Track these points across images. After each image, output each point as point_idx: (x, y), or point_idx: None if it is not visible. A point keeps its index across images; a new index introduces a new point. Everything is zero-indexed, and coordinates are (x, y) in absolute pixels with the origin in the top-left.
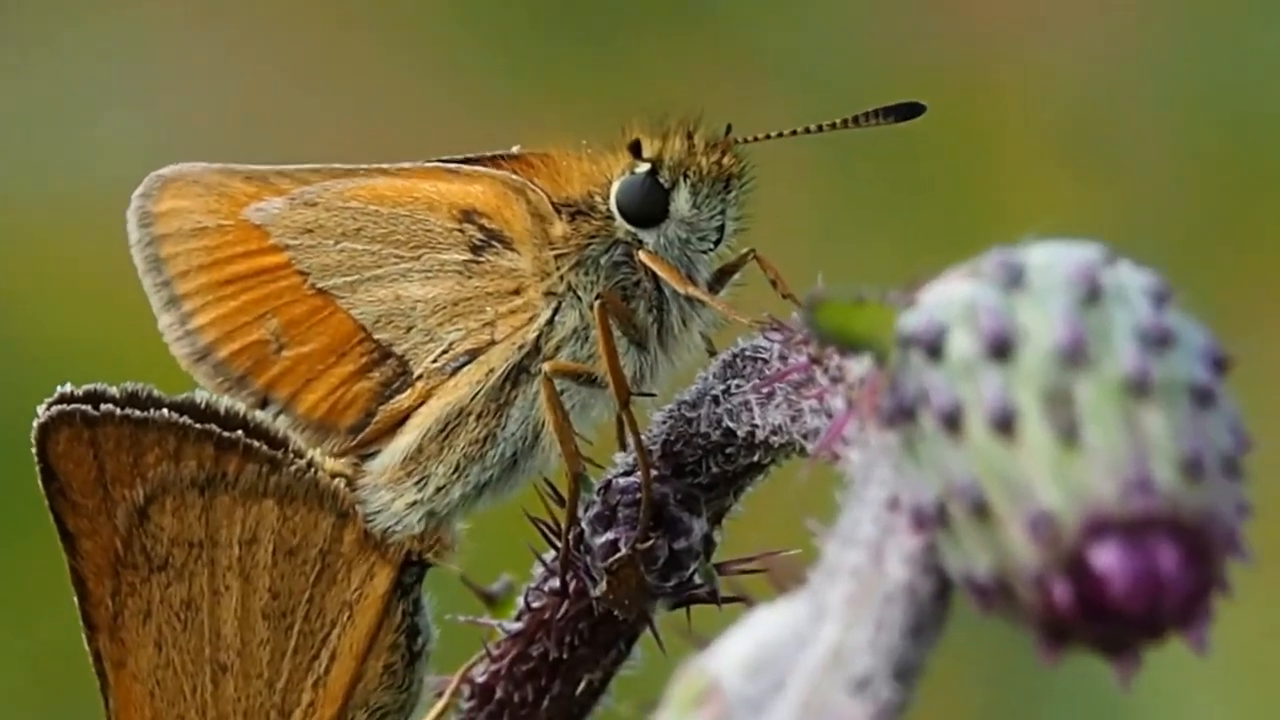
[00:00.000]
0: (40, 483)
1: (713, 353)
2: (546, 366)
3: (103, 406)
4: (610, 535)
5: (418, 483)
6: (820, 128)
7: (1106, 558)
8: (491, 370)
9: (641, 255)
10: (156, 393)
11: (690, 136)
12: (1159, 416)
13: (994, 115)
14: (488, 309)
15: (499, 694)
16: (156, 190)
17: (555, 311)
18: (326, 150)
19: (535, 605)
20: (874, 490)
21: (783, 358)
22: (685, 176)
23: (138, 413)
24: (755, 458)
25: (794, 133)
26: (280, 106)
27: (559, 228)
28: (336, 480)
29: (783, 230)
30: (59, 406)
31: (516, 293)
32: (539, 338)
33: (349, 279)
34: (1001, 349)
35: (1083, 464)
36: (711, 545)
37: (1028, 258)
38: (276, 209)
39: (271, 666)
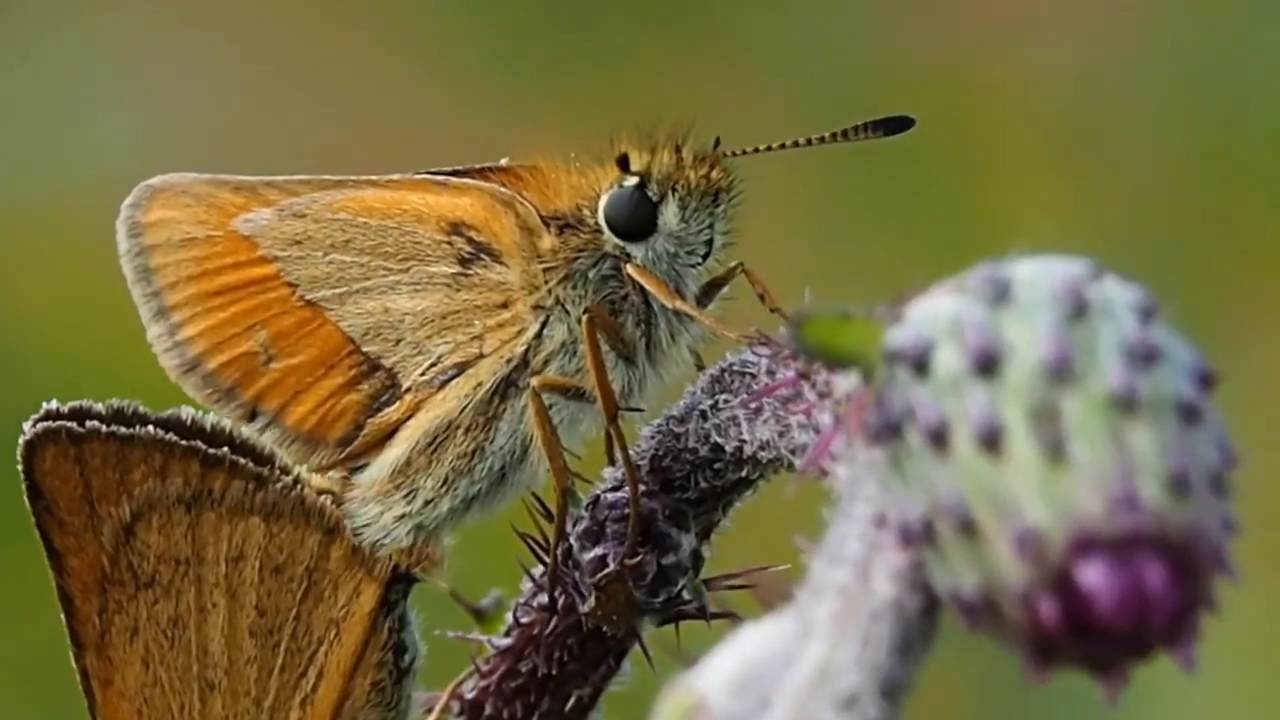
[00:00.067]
0: (26, 500)
1: (701, 367)
2: (534, 381)
3: (89, 423)
4: (599, 551)
5: (406, 496)
6: (809, 141)
7: (1093, 575)
8: (480, 384)
9: (629, 269)
10: (142, 409)
11: (679, 150)
12: (1146, 433)
13: (988, 115)
14: (476, 322)
15: (488, 710)
16: (145, 200)
17: (543, 325)
18: (318, 148)
19: (524, 621)
20: (861, 507)
21: (770, 373)
22: (673, 190)
23: (124, 429)
24: (743, 473)
25: (783, 146)
26: (272, 105)
27: (547, 241)
28: (323, 497)
29: (776, 229)
30: (45, 423)
31: (505, 306)
32: (527, 351)
33: (338, 291)
34: (988, 365)
35: (1069, 481)
36: (700, 561)
37: (1014, 273)
38: (265, 220)
39: (259, 684)
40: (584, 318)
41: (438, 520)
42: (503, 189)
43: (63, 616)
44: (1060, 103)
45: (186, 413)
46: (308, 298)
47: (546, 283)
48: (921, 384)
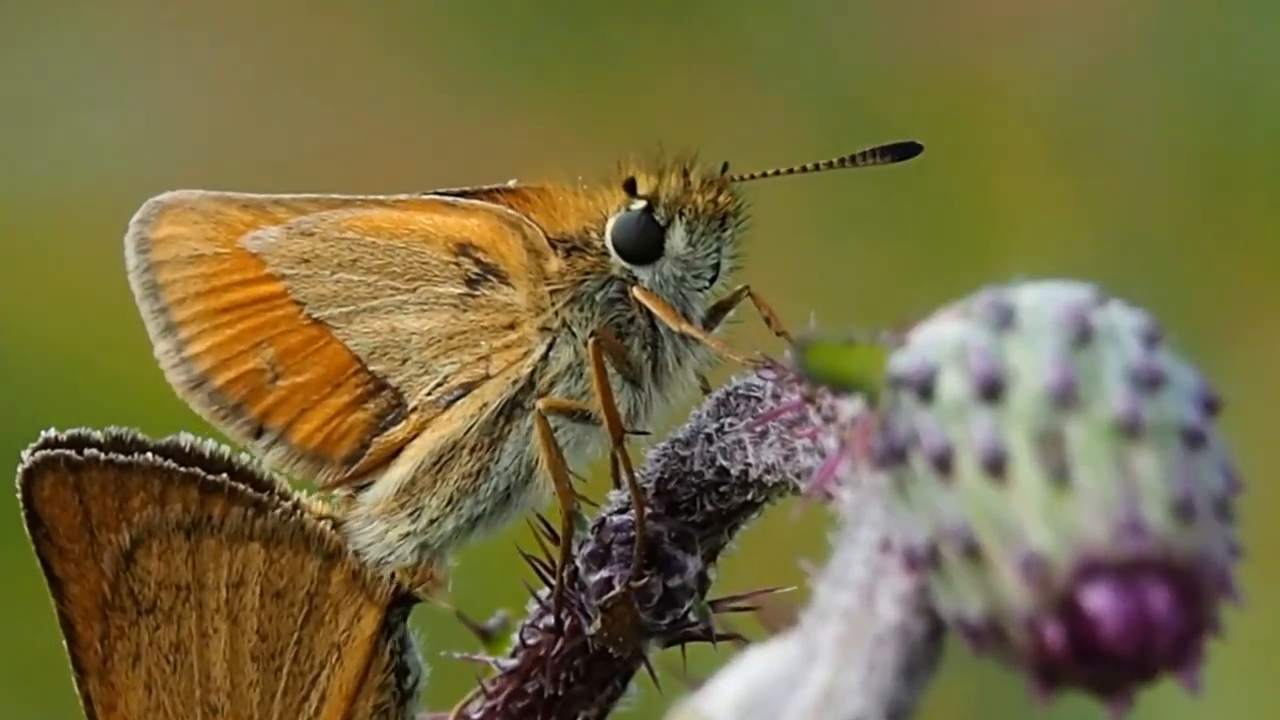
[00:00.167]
0: (26, 528)
1: (707, 390)
2: (540, 404)
3: (87, 451)
4: (605, 573)
5: (411, 514)
6: (817, 166)
7: (1098, 599)
8: (485, 404)
9: (636, 292)
10: (141, 437)
11: (686, 174)
12: (1150, 458)
13: (988, 114)
14: (482, 343)
15: None
16: (154, 216)
17: (550, 347)
18: (318, 147)
19: (530, 642)
20: (866, 531)
21: (776, 396)
22: (681, 214)
23: (122, 457)
24: (749, 496)
25: (790, 171)
26: (270, 105)
27: (554, 263)
28: (322, 522)
29: (775, 231)
30: (43, 451)
31: (511, 327)
32: (533, 373)
33: (345, 310)
34: (992, 390)
35: (1074, 506)
36: (706, 583)
37: (1018, 298)
38: (273, 238)
39: (261, 708)
40: (590, 340)
41: (442, 539)
42: (510, 210)
43: (64, 643)
44: (1060, 103)
45: (185, 439)
46: (315, 316)
47: (553, 305)
48: (926, 409)
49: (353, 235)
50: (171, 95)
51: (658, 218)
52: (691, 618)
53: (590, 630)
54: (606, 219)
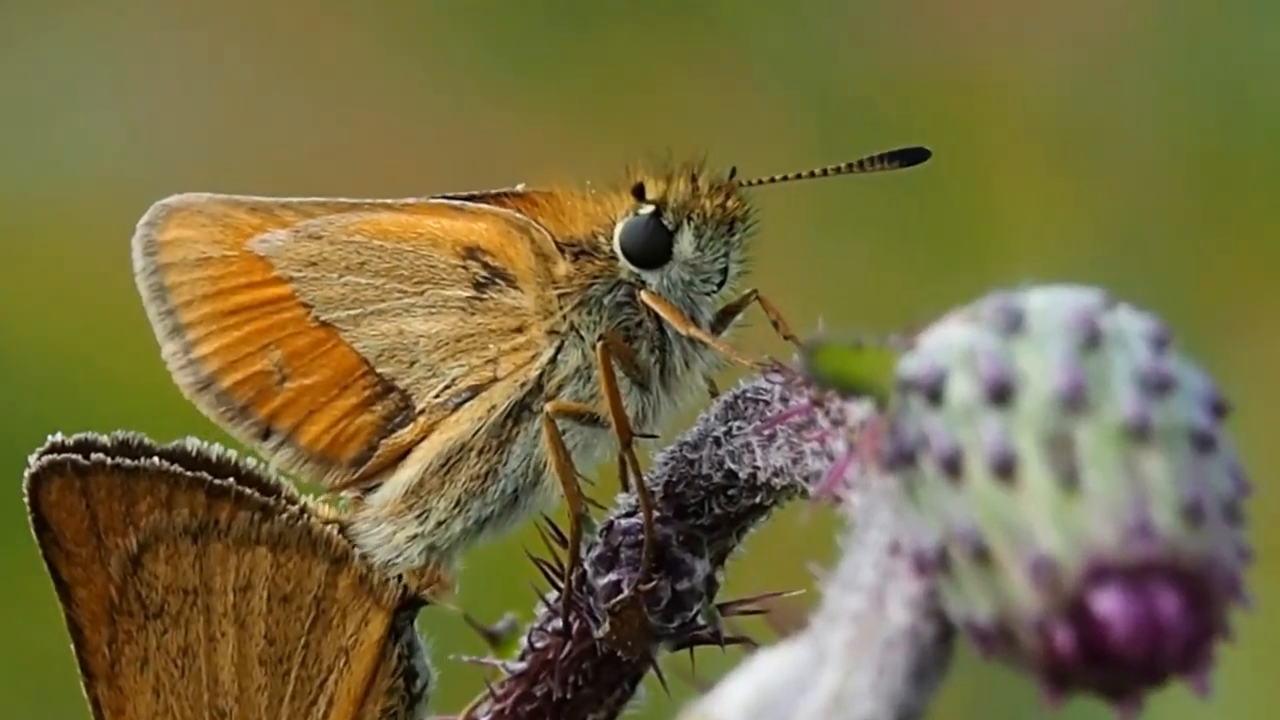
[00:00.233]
0: (33, 532)
1: (715, 394)
2: (549, 407)
3: (94, 456)
4: (613, 576)
5: (419, 516)
6: (825, 171)
7: (1107, 603)
8: (494, 407)
9: (644, 296)
10: (148, 441)
11: (694, 179)
12: (1159, 462)
13: (988, 114)
14: (490, 346)
15: None
16: (161, 219)
17: (558, 350)
18: (309, 148)
19: (539, 645)
20: (875, 534)
21: (784, 400)
22: (689, 219)
23: (129, 461)
24: (757, 499)
25: (799, 176)
26: (268, 105)
27: (562, 267)
28: (329, 527)
29: (772, 232)
30: (50, 456)
31: (519, 330)
32: (541, 376)
33: (352, 312)
34: (1001, 394)
35: (1083, 509)
36: (714, 586)
37: (1027, 302)
38: (281, 241)
39: (270, 712)
40: (599, 344)
41: (450, 541)
42: (518, 214)
43: (72, 647)
44: (1060, 103)
45: (192, 444)
46: (322, 318)
47: (561, 308)
48: (935, 413)
49: (360, 238)
50: (171, 95)
51: (666, 222)
52: (700, 621)
53: (599, 633)
54: (615, 223)
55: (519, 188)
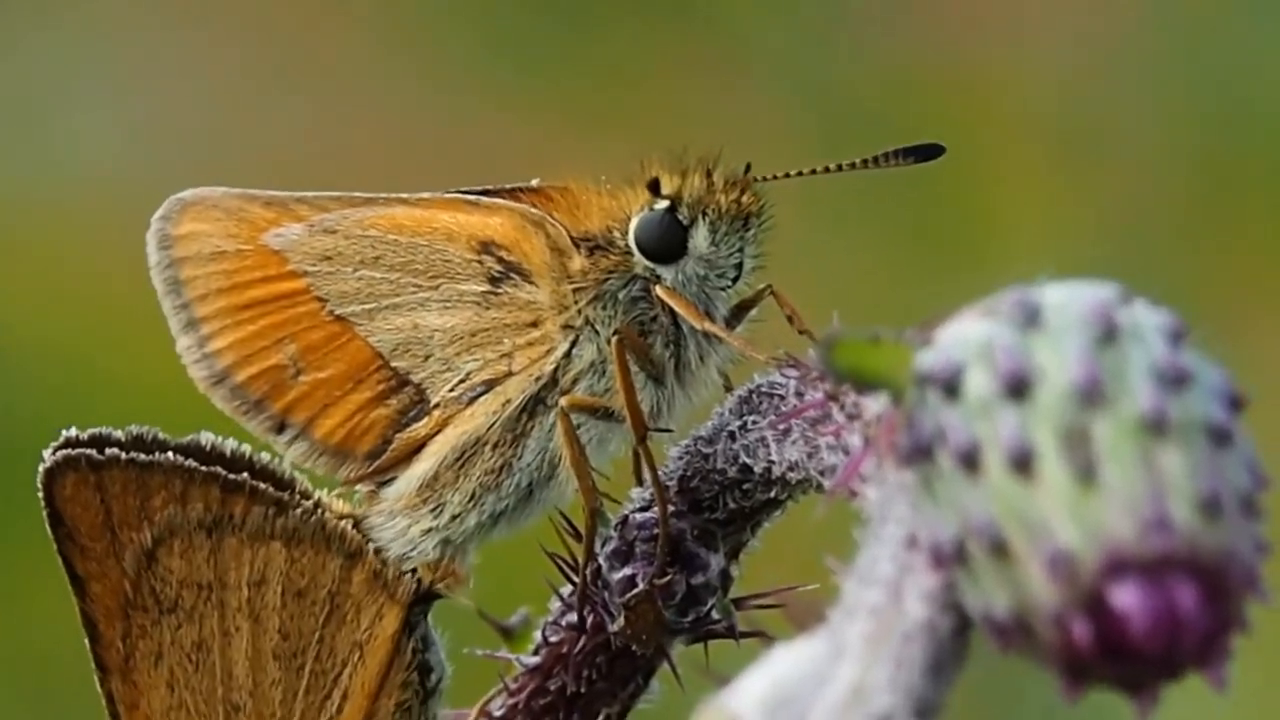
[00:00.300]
0: (48, 527)
1: (729, 389)
2: (563, 401)
3: (108, 450)
4: (628, 570)
5: (434, 510)
6: (840, 167)
7: (1125, 597)
8: (508, 401)
9: (659, 291)
10: (162, 436)
11: (709, 174)
12: (1176, 456)
13: (987, 113)
14: (505, 340)
15: None
16: (176, 213)
17: (573, 345)
18: (308, 148)
19: (553, 639)
20: (892, 528)
21: (799, 394)
22: (704, 214)
23: (143, 456)
24: (772, 494)
25: (814, 171)
26: (263, 105)
27: (577, 262)
28: (344, 521)
29: (771, 231)
30: (64, 451)
31: (534, 325)
32: (556, 370)
33: (367, 306)
34: (1018, 388)
35: (1100, 503)
36: (729, 580)
37: (1044, 297)
38: (296, 235)
39: (284, 706)
40: (614, 338)
41: (465, 535)
42: (533, 209)
43: (86, 642)
44: (1059, 103)
45: (206, 438)
46: (337, 313)
47: (576, 303)
48: (952, 407)
49: (375, 233)
50: (171, 96)
51: (681, 217)
52: (714, 615)
53: (613, 628)
54: (630, 218)
55: (534, 183)
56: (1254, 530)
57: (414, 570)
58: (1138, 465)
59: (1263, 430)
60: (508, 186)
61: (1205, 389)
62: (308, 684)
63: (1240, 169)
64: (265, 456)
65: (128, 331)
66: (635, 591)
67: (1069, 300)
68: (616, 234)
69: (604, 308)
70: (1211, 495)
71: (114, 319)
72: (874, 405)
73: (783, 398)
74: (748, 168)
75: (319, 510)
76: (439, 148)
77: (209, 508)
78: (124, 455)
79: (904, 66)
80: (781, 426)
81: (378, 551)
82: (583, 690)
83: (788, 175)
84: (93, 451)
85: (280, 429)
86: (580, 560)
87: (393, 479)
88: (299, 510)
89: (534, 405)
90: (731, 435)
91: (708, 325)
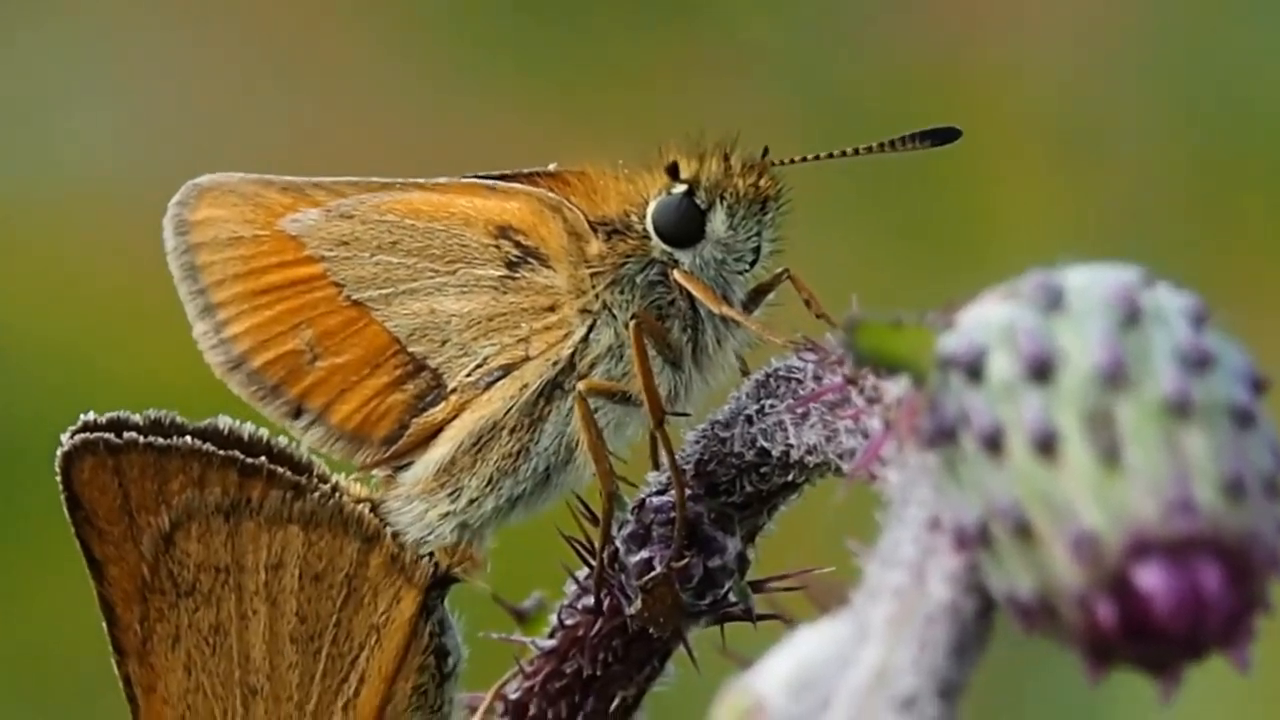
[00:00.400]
0: (66, 510)
1: (746, 372)
2: (581, 385)
3: (126, 434)
4: (645, 554)
5: (451, 494)
6: (856, 151)
7: (1149, 578)
8: (525, 385)
9: (677, 275)
10: (180, 420)
11: (727, 158)
12: (1200, 438)
13: (985, 113)
14: (523, 325)
15: (532, 710)
16: (193, 199)
17: (590, 329)
18: (302, 147)
19: (569, 623)
20: (914, 511)
21: (817, 378)
22: (722, 198)
23: (161, 440)
24: (789, 477)
25: (830, 155)
26: (258, 104)
27: (595, 246)
28: (361, 505)
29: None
30: (83, 435)
31: (551, 309)
32: (574, 354)
33: (384, 291)
34: (1041, 371)
35: (1124, 485)
36: (745, 564)
37: (1066, 280)
38: (312, 220)
39: (301, 689)
40: (631, 323)
41: (482, 519)
42: (550, 194)
43: (104, 625)
44: (1058, 101)
45: (224, 422)
46: (354, 298)
47: (594, 287)
48: (975, 389)
49: (392, 218)
50: (170, 96)
51: (699, 201)
52: (731, 598)
53: (630, 611)
54: (647, 202)
55: (551, 167)
56: (1277, 511)
57: (431, 554)
58: (1161, 447)
59: None
60: (525, 171)
61: (1228, 371)
62: (325, 667)
63: (1240, 169)
64: (283, 440)
65: (127, 331)
66: (652, 575)
67: (1092, 283)
68: (634, 218)
69: (621, 292)
70: (1235, 477)
71: (113, 318)
72: (894, 389)
73: (800, 381)
74: (765, 151)
75: (336, 494)
76: (438, 148)
77: (227, 491)
78: (142, 439)
79: (904, 66)
80: (799, 410)
81: (395, 535)
82: (598, 673)
83: (804, 159)
84: (111, 435)
85: (297, 414)
86: (597, 543)
87: (410, 464)
88: (317, 494)
89: (551, 390)
90: (749, 419)
91: (725, 309)
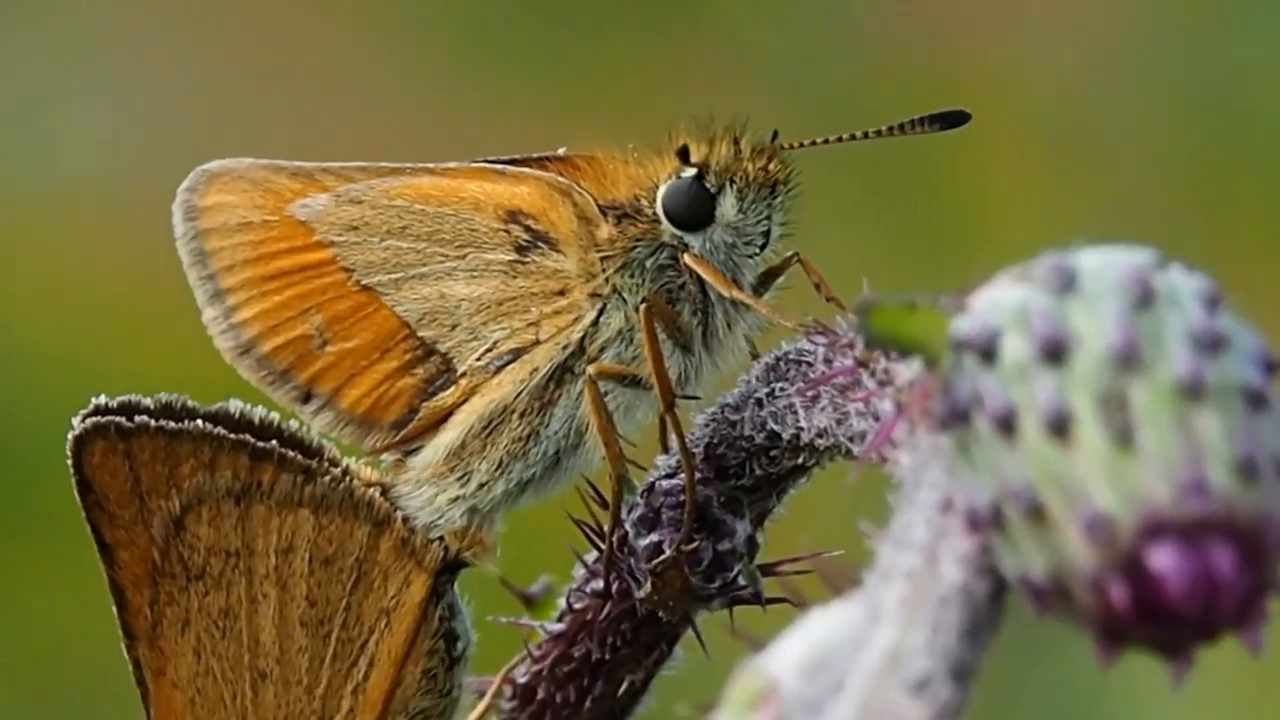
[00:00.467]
0: (76, 494)
1: (756, 356)
2: (591, 369)
3: (137, 418)
4: (654, 537)
5: (460, 478)
6: (865, 134)
7: (1163, 559)
8: (535, 369)
9: (687, 259)
10: (191, 403)
11: (737, 142)
12: (1213, 419)
13: (982, 113)
14: (532, 309)
15: (541, 694)
16: (202, 185)
17: (600, 313)
18: (302, 146)
19: (577, 606)
20: (926, 493)
21: (828, 361)
22: (732, 182)
23: (172, 424)
24: (799, 460)
25: (840, 139)
26: (256, 105)
27: (605, 230)
28: (371, 489)
29: None
30: (94, 418)
31: (561, 293)
32: (583, 338)
33: (393, 276)
34: (1055, 353)
35: (1137, 467)
36: (755, 547)
37: (1079, 262)
38: (322, 205)
39: (311, 673)
40: (642, 306)
41: (492, 503)
42: (560, 178)
43: (114, 608)
44: (1056, 100)
45: (235, 406)
46: (364, 283)
47: (604, 271)
48: (989, 372)
49: (402, 203)
50: (168, 96)
51: (709, 185)
52: (740, 581)
53: (640, 594)
54: (657, 186)
55: (560, 151)
56: None
57: (441, 538)
58: (1175, 429)
59: None
60: (535, 156)
61: (1241, 353)
62: (335, 651)
63: (1239, 169)
64: (294, 424)
65: (124, 332)
66: (662, 558)
67: (1105, 265)
68: (644, 202)
69: (631, 276)
70: (1248, 458)
71: (110, 319)
72: (905, 371)
73: (811, 364)
74: (774, 135)
75: (347, 478)
76: (439, 148)
77: (237, 475)
78: (153, 423)
79: (904, 66)
80: (810, 393)
81: (405, 520)
82: (607, 657)
83: (814, 143)
84: (122, 419)
85: (306, 399)
86: (606, 527)
87: (419, 448)
88: (327, 478)
89: (561, 373)
90: (759, 402)
91: (735, 293)
